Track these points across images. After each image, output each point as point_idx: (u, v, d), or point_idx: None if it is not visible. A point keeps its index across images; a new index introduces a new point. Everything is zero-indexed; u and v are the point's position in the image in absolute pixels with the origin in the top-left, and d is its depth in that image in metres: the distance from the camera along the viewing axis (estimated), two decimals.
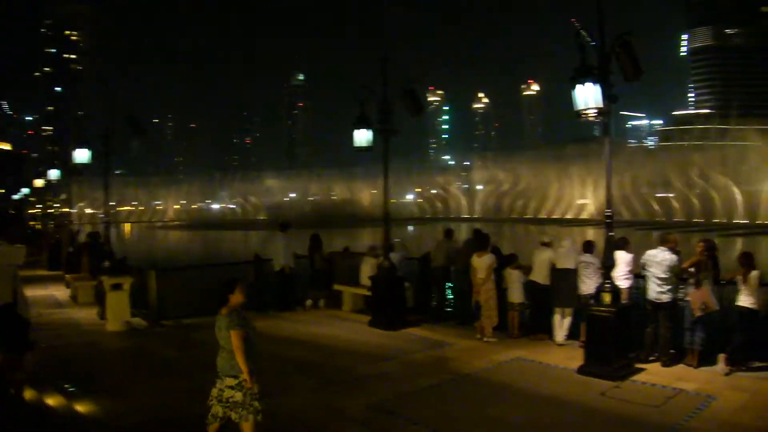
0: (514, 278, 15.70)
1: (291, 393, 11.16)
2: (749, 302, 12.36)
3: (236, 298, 7.83)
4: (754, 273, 12.39)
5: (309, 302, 19.85)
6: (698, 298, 12.75)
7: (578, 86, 11.76)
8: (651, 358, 13.20)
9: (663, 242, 13.54)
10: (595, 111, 11.70)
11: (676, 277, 13.22)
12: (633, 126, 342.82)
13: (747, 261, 12.56)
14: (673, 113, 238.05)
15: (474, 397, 11.22)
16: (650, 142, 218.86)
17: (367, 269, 18.87)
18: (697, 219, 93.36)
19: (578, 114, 11.86)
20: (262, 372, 7.90)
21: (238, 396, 7.62)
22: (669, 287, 13.16)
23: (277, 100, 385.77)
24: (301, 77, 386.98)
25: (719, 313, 12.93)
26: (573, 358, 13.03)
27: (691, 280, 12.94)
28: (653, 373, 12.44)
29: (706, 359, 12.86)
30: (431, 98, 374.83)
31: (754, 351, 12.98)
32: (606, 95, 11.80)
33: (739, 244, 53.70)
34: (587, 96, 11.67)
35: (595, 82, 11.73)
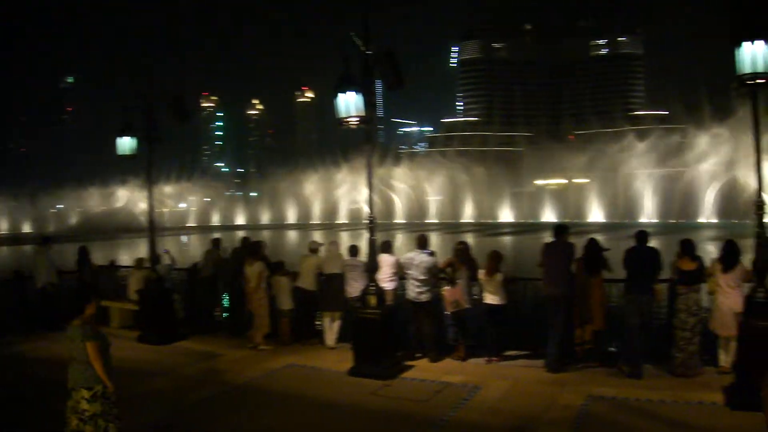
0: (282, 285, 15.67)
1: (55, 418, 10.54)
2: (495, 299, 13.22)
3: (91, 308, 7.70)
4: (499, 275, 13.24)
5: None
6: (451, 295, 13.43)
7: (341, 95, 12.01)
8: (418, 355, 13.69)
9: (420, 244, 14.09)
10: (357, 119, 12.00)
11: (435, 277, 13.82)
12: (404, 133, 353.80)
13: (494, 261, 13.38)
14: (442, 120, 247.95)
15: (248, 407, 11.16)
16: (420, 148, 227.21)
17: (134, 282, 18.17)
18: (465, 220, 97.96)
19: (340, 122, 12.11)
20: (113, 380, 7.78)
21: (96, 408, 7.49)
22: (427, 287, 13.73)
23: (45, 104, 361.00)
24: (70, 80, 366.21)
25: (472, 309, 13.69)
26: (344, 360, 13.17)
27: (456, 276, 13.59)
28: (422, 369, 12.94)
29: (472, 352, 13.58)
30: (205, 104, 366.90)
31: (516, 340, 13.97)
32: (368, 104, 12.12)
33: (505, 242, 56.84)
34: (349, 104, 11.94)
35: (357, 91, 12.02)
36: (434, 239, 55.74)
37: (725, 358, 11.91)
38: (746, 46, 9.75)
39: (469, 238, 55.47)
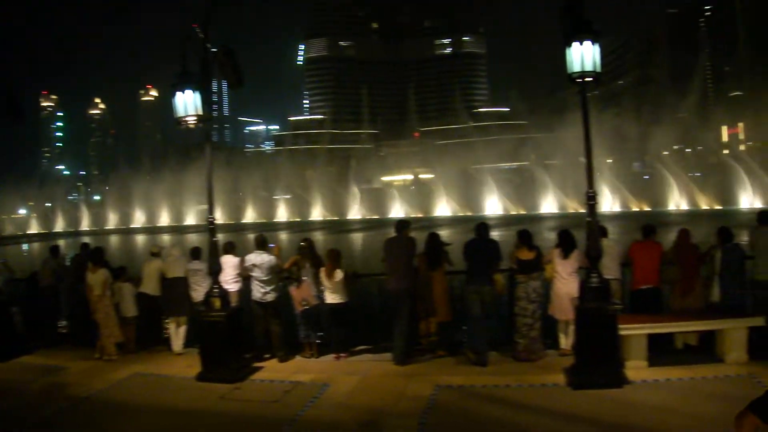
0: (125, 291, 15.17)
1: None
2: (336, 298, 13.38)
3: None
4: (338, 274, 13.35)
5: None
6: (299, 294, 13.48)
7: (179, 93, 11.78)
8: (267, 356, 13.62)
9: (259, 245, 14.01)
10: (195, 118, 11.80)
11: (278, 276, 13.78)
12: (251, 131, 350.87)
13: (332, 260, 13.49)
14: (289, 119, 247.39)
15: (94, 420, 10.75)
16: (267, 147, 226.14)
17: None
18: (314, 218, 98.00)
19: (178, 121, 11.87)
20: None
21: None
22: (272, 287, 13.74)
23: None
24: None
25: (319, 306, 13.74)
26: (192, 365, 12.88)
27: (301, 275, 13.60)
28: (272, 370, 12.86)
29: (321, 350, 13.66)
30: (44, 103, 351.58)
31: (363, 335, 14.20)
32: (207, 102, 11.93)
33: (352, 239, 57.26)
34: (187, 103, 11.73)
35: (195, 89, 11.80)
36: (282, 239, 55.78)
37: (565, 341, 12.56)
38: (575, 46, 10.29)
39: (318, 236, 55.72)
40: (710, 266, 12.77)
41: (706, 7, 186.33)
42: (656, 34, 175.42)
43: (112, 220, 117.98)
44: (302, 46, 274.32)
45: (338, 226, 78.89)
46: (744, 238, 13.67)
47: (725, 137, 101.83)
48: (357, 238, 60.81)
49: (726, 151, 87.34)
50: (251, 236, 16.41)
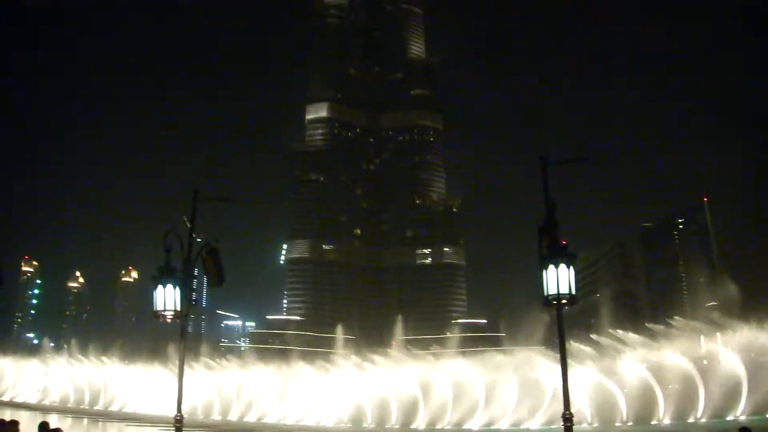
0: None
1: None
2: None
3: None
4: None
5: None
6: None
7: (159, 287, 11.87)
8: None
9: None
10: (172, 313, 11.85)
11: None
12: (227, 326, 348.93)
13: None
14: (267, 317, 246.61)
15: None
16: (242, 343, 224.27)
17: None
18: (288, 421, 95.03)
19: (156, 314, 11.90)
20: None
21: None
22: None
23: None
24: None
25: None
26: None
27: None
28: None
29: None
30: (24, 269, 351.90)
31: None
32: (186, 298, 12.00)
33: None
34: (167, 297, 11.80)
35: (176, 284, 11.91)
36: None
37: None
38: (551, 269, 10.69)
39: None
40: None
41: (679, 221, 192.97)
42: (631, 248, 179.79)
43: (78, 400, 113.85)
44: (285, 246, 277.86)
45: None
46: None
47: (703, 348, 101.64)
48: None
49: (705, 362, 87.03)
50: None
